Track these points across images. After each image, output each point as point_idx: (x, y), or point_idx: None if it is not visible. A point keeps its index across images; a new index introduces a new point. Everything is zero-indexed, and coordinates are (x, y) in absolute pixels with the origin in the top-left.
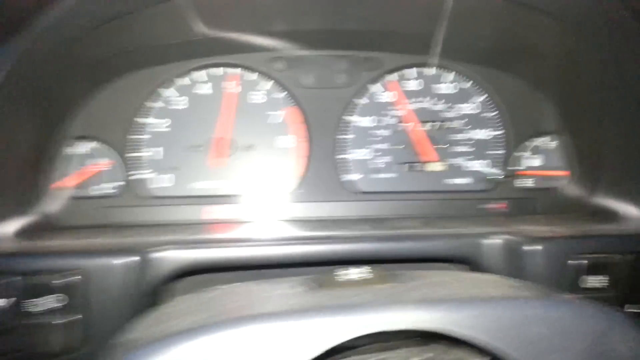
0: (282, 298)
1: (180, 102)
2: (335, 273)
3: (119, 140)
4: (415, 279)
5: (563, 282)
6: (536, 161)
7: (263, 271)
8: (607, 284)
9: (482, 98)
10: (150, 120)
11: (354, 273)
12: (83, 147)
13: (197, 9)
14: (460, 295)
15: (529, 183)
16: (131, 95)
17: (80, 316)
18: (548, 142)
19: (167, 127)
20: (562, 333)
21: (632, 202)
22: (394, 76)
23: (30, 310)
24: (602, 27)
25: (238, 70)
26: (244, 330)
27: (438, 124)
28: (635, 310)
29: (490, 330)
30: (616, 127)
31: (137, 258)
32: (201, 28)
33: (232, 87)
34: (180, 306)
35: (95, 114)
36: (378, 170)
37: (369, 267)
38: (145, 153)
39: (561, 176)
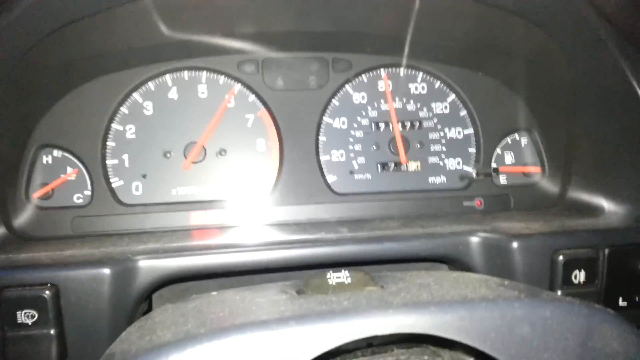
0: (268, 305)
1: (148, 108)
2: (319, 278)
3: (86, 148)
4: (400, 282)
5: (543, 278)
6: (510, 158)
7: (241, 278)
8: (587, 280)
9: (453, 97)
10: (116, 126)
11: (338, 277)
12: (50, 157)
13: (160, 11)
14: (448, 297)
15: (503, 180)
16: (97, 102)
17: (53, 331)
18: (520, 139)
19: (134, 133)
20: (549, 332)
21: (605, 196)
22: (365, 77)
23: (2, 326)
24: (569, 27)
25: (206, 74)
26: (232, 340)
27: (411, 123)
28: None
29: (477, 332)
30: (586, 124)
31: (108, 270)
32: (164, 31)
33: (201, 91)
34: (165, 317)
35: (60, 121)
36: (354, 172)
37: (353, 271)
38: (113, 161)
39: (535, 172)
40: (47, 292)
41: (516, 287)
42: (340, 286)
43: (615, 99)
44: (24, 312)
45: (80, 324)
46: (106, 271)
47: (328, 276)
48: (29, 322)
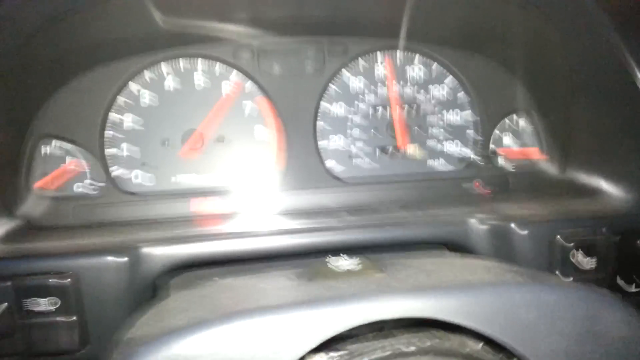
0: (278, 291)
1: (145, 96)
2: (325, 264)
3: (85, 138)
4: (407, 267)
5: (543, 261)
6: (509, 140)
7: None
8: (585, 262)
9: (452, 80)
10: (114, 116)
11: (345, 263)
12: (49, 147)
13: None
14: (457, 282)
15: (502, 162)
16: (94, 92)
17: (75, 317)
18: (519, 121)
19: (132, 122)
20: (556, 317)
21: (603, 177)
22: (362, 61)
23: (24, 314)
24: (566, 9)
25: (201, 61)
26: (246, 324)
27: (411, 107)
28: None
29: (486, 316)
30: (584, 106)
31: (126, 257)
32: (159, 19)
33: (198, 79)
34: (178, 302)
35: (59, 112)
36: (355, 157)
37: (359, 257)
38: (112, 150)
39: (533, 154)
40: (69, 279)
41: (523, 272)
42: (347, 272)
43: (612, 82)
44: (47, 299)
45: (100, 310)
46: (125, 259)
47: (334, 262)
48: (53, 309)
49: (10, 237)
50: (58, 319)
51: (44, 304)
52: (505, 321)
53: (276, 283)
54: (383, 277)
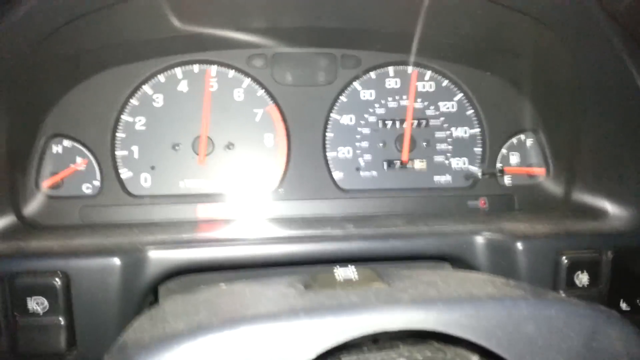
0: (277, 298)
1: (158, 100)
2: (327, 273)
3: (96, 139)
4: (407, 279)
5: (546, 279)
6: (515, 159)
7: (245, 272)
8: (590, 282)
9: (460, 96)
10: (126, 118)
11: (346, 273)
12: (60, 146)
13: (171, 3)
14: (455, 295)
15: (508, 180)
16: (107, 93)
17: (62, 319)
18: (526, 140)
19: (143, 125)
20: (554, 332)
21: (609, 198)
22: (373, 74)
23: (10, 313)
24: (578, 28)
25: (216, 68)
26: (243, 331)
27: (418, 122)
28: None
29: (483, 329)
30: (592, 125)
31: (118, 259)
32: (175, 23)
33: (210, 84)
34: (174, 308)
35: (71, 112)
36: (360, 169)
37: (361, 268)
38: (123, 152)
39: (540, 173)
40: (58, 280)
41: (522, 287)
42: (348, 282)
43: (621, 101)
44: (35, 299)
45: (90, 313)
46: (117, 261)
47: (335, 272)
48: (40, 310)
49: (10, 235)
50: (45, 319)
51: (31, 304)
52: (503, 334)
53: (276, 290)
54: (382, 288)
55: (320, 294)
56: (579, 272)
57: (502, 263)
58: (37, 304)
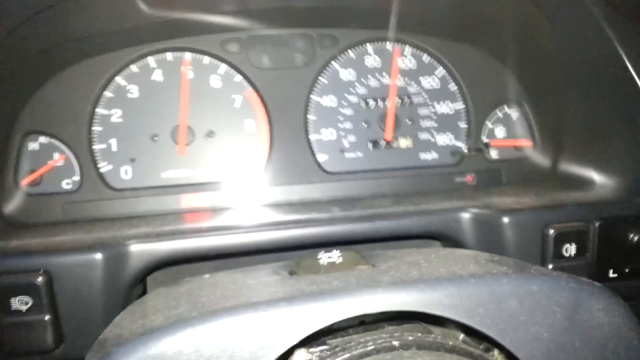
0: (259, 287)
1: (132, 91)
2: (310, 258)
3: (72, 133)
4: (391, 260)
5: (534, 253)
6: (501, 132)
7: (233, 259)
8: (578, 253)
9: (442, 71)
10: (101, 111)
11: (329, 257)
12: (36, 143)
13: None
14: (437, 274)
15: (495, 154)
16: (80, 87)
17: (48, 316)
18: (511, 113)
19: (120, 117)
20: (537, 306)
21: (595, 168)
22: (352, 53)
23: None
24: (559, 1)
25: (190, 55)
26: (223, 323)
27: (401, 99)
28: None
29: (466, 308)
30: (576, 96)
31: (100, 254)
32: (145, 10)
33: (185, 72)
34: (156, 300)
35: (45, 108)
36: (344, 150)
37: (345, 250)
38: (101, 145)
39: (526, 146)
40: (40, 278)
41: (505, 262)
42: (332, 266)
43: (604, 71)
44: (17, 298)
45: (76, 309)
46: (98, 256)
47: (319, 256)
48: (23, 308)
49: None
50: (30, 318)
51: (15, 303)
52: (487, 311)
53: (259, 278)
54: (365, 270)
55: (303, 280)
56: (567, 243)
57: (490, 239)
58: (20, 303)
